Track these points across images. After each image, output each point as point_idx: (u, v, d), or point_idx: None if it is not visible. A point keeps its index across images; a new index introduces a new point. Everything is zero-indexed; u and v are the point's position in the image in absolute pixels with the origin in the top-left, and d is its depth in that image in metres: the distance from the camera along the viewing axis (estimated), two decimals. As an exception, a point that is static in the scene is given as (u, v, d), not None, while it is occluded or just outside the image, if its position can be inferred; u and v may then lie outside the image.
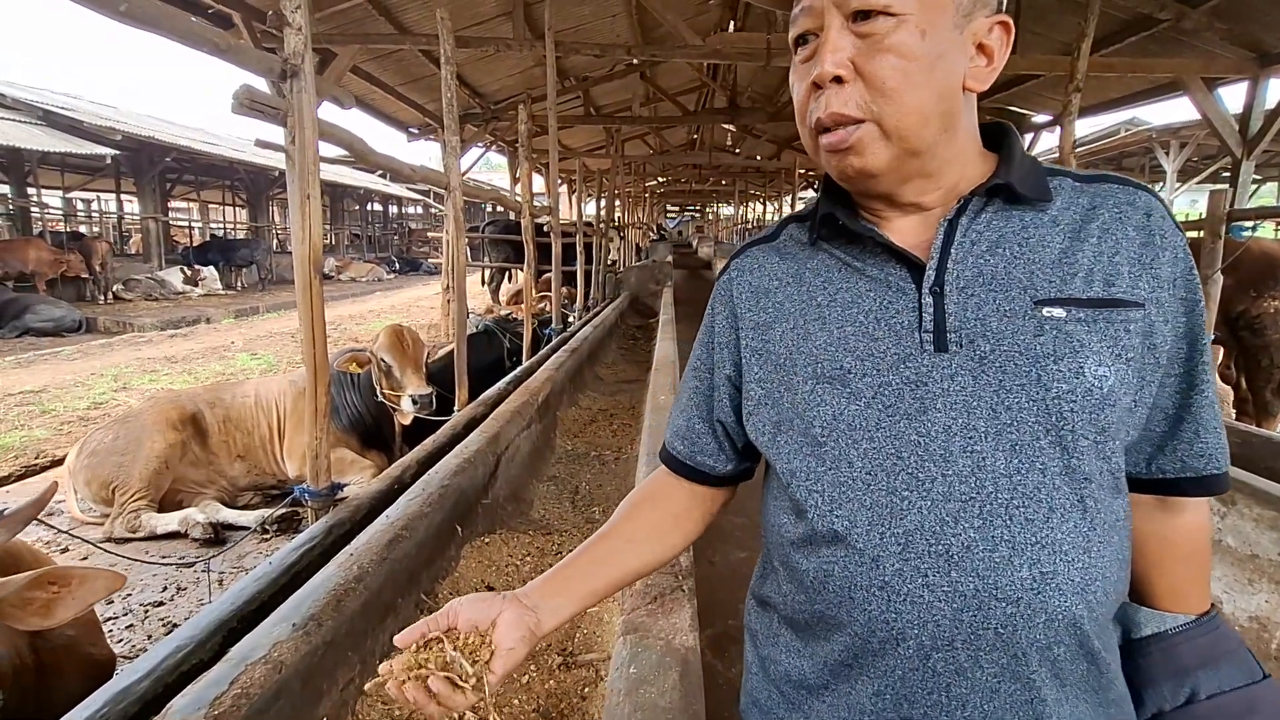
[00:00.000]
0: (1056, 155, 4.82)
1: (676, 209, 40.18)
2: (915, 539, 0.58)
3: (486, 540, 2.10)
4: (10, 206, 12.82)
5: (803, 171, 14.42)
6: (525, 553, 2.08)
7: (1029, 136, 7.50)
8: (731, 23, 7.57)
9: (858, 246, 0.66)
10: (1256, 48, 5.00)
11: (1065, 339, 0.58)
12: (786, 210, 20.68)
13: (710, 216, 38.43)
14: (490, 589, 1.85)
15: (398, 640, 0.65)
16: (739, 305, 0.73)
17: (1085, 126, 14.97)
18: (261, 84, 1.72)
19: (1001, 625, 0.57)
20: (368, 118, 8.03)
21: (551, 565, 2.10)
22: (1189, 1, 4.69)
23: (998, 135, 0.67)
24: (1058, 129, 4.65)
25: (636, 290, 9.62)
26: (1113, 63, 5.28)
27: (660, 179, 21.33)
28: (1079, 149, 7.19)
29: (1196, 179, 13.61)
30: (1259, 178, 14.13)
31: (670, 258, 13.82)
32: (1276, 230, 12.20)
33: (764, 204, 23.53)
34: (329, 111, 2.17)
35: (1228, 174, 5.52)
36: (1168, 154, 11.81)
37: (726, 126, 12.38)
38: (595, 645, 1.56)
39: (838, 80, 0.59)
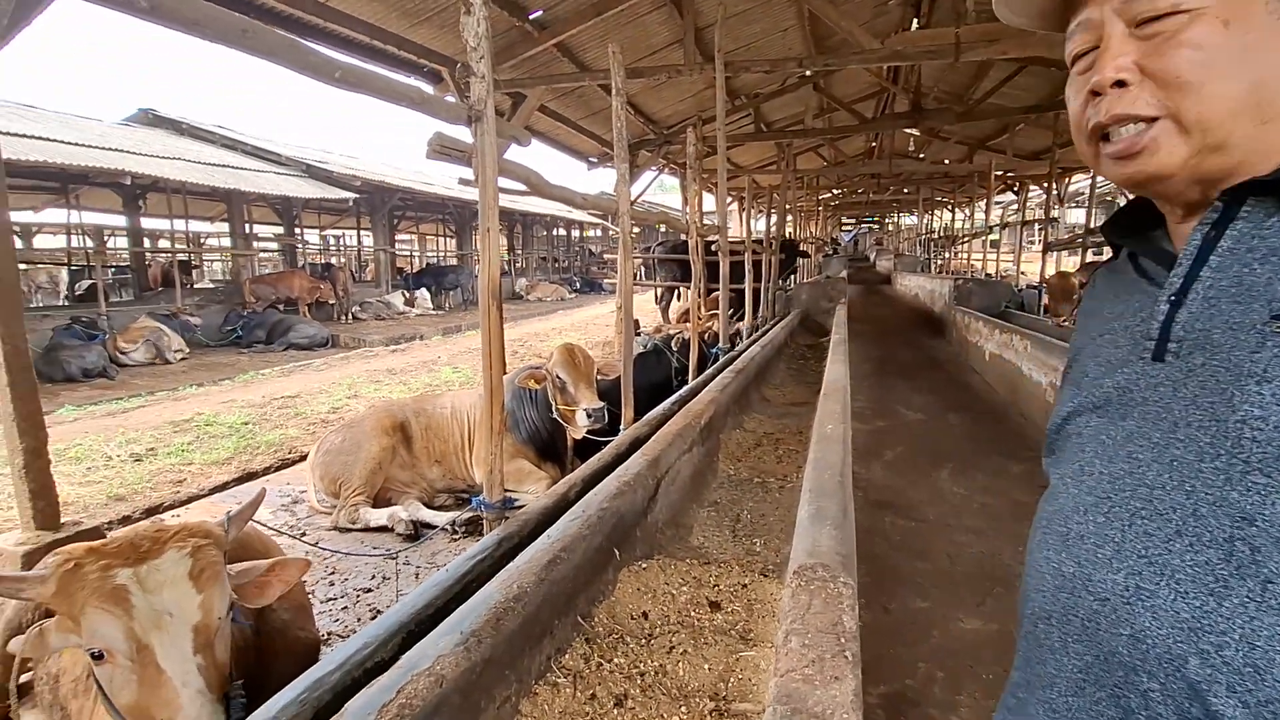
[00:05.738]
0: None
1: (853, 221, 38.19)
2: (1054, 520, 0.63)
3: (644, 566, 2.08)
4: (283, 243, 15.94)
5: (999, 174, 12.95)
6: (682, 581, 2.03)
7: None
8: (915, 20, 7.05)
9: (1154, 251, 0.65)
10: None
11: None
12: (980, 218, 18.70)
13: (890, 228, 36.04)
14: (645, 616, 1.83)
15: None
16: (1081, 314, 0.78)
17: None
18: (463, 132, 1.90)
19: (1088, 619, 0.57)
20: (552, 150, 8.70)
21: (708, 597, 2.00)
22: None
23: None
24: None
25: (808, 307, 9.25)
26: None
27: (835, 191, 20.49)
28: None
29: None
30: None
31: (845, 273, 13.13)
32: None
33: (953, 211, 21.46)
34: (515, 149, 2.36)
35: None
36: None
37: (909, 131, 11.55)
38: (750, 694, 1.46)
39: (1120, 84, 0.56)
